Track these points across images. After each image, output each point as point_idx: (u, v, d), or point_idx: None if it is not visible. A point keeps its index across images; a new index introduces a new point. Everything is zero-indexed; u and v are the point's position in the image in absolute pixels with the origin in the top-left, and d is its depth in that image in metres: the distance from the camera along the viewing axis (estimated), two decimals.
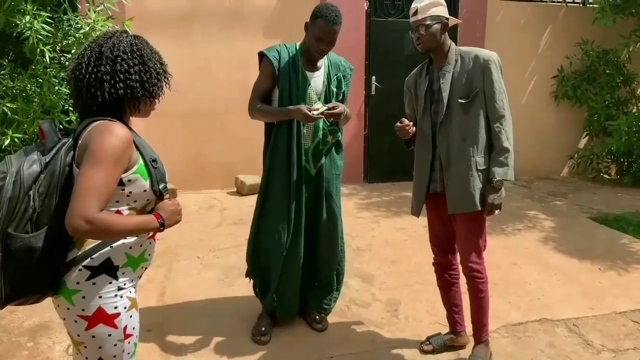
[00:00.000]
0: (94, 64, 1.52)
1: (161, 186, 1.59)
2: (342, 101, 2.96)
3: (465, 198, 2.55)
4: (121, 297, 1.56)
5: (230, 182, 6.13)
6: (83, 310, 1.52)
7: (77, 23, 4.36)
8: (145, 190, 1.56)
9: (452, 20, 2.57)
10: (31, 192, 1.44)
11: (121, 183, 1.51)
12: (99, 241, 1.53)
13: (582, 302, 3.53)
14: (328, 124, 2.85)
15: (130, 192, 1.54)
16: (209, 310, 3.32)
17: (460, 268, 2.75)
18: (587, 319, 3.30)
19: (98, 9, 4.49)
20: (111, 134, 1.46)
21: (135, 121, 5.88)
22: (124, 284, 1.58)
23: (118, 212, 1.54)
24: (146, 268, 1.68)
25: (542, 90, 7.39)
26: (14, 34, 4.09)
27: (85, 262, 1.52)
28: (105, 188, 1.43)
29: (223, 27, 5.98)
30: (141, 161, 1.55)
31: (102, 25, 4.42)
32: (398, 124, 2.60)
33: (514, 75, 7.22)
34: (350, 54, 5.05)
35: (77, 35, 4.39)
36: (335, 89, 2.90)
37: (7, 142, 3.81)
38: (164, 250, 4.24)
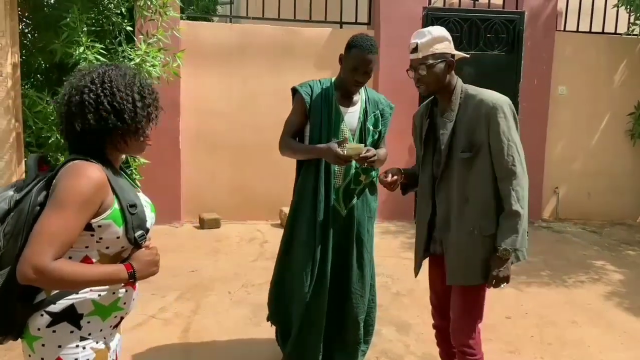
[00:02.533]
0: (68, 96, 1.46)
1: (138, 233, 1.46)
2: (378, 140, 2.79)
3: (467, 269, 2.21)
4: (84, 348, 1.44)
5: (274, 214, 6.05)
6: (42, 359, 1.42)
7: (129, 54, 4.48)
8: (118, 237, 1.45)
9: (458, 55, 2.25)
10: None
11: (90, 228, 1.41)
12: None
13: None
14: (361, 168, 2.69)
15: (101, 238, 1.44)
16: (231, 351, 3.17)
17: None
18: None
19: (150, 40, 4.61)
20: (81, 178, 1.37)
21: (183, 151, 5.89)
22: (89, 334, 1.45)
23: (86, 257, 1.44)
24: (123, 317, 1.56)
25: (617, 128, 6.85)
26: (70, 64, 4.26)
27: (47, 307, 1.42)
28: (64, 235, 1.33)
29: (273, 59, 5.99)
30: (116, 206, 1.44)
31: (153, 57, 4.52)
32: (382, 177, 2.34)
33: (584, 112, 6.77)
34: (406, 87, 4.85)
35: (130, 65, 4.51)
36: (371, 127, 2.74)
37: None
38: (195, 283, 4.17)
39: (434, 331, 2.51)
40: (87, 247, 1.43)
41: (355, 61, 2.54)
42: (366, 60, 2.53)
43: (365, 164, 2.55)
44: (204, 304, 3.83)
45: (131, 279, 1.43)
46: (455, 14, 6.36)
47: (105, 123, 1.44)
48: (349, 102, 2.70)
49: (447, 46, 2.19)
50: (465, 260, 2.20)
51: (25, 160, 4.39)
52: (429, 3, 6.38)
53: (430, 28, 2.22)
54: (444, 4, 6.62)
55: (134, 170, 4.99)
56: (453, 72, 2.22)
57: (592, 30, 6.81)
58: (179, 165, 5.77)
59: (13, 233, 1.38)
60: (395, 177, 2.35)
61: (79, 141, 1.46)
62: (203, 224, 5.75)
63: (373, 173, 2.76)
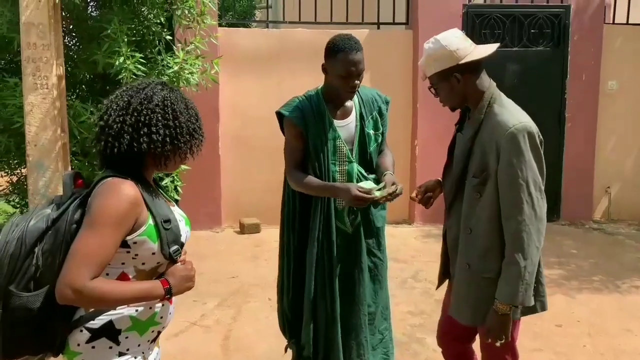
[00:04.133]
0: (119, 113, 1.46)
1: (173, 249, 1.47)
2: (381, 143, 2.56)
3: (461, 305, 2.02)
4: None
5: None
6: None
7: (168, 62, 4.54)
8: (153, 253, 1.46)
9: (477, 54, 1.94)
10: (36, 250, 1.39)
11: (126, 245, 1.42)
12: None
13: None
14: (361, 176, 2.45)
15: (137, 255, 1.45)
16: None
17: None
18: None
19: (188, 48, 4.66)
20: (114, 196, 1.39)
21: (223, 156, 5.89)
22: (127, 350, 1.47)
23: (123, 274, 1.45)
24: (160, 331, 1.56)
25: None
26: (112, 75, 4.35)
27: (87, 323, 1.44)
28: (101, 255, 1.35)
29: (310, 63, 5.92)
30: (151, 222, 1.45)
31: (191, 64, 4.57)
32: (413, 195, 2.23)
33: (636, 107, 6.45)
34: None
35: (169, 73, 4.58)
36: (372, 131, 2.49)
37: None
38: (236, 289, 4.18)
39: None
40: (123, 263, 1.44)
41: (344, 66, 2.27)
42: (356, 61, 2.28)
43: (391, 199, 2.30)
44: (245, 310, 3.83)
45: (167, 295, 1.43)
46: (497, 10, 6.18)
47: (155, 146, 1.45)
48: (342, 112, 2.45)
49: (447, 58, 1.92)
50: (462, 296, 2.03)
51: (71, 169, 4.52)
52: (469, 0, 6.21)
53: (428, 43, 2.00)
54: (485, 1, 6.44)
55: (175, 177, 5.06)
56: (473, 80, 1.96)
57: None
58: (218, 171, 5.83)
59: (51, 251, 1.39)
60: (428, 194, 2.20)
61: (120, 159, 1.46)
62: (243, 229, 5.78)
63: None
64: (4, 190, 5.37)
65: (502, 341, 1.90)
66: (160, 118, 1.45)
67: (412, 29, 6.15)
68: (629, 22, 6.45)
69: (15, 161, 5.10)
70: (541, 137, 1.89)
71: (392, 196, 2.26)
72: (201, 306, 3.84)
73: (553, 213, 6.35)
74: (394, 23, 6.32)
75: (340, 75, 2.30)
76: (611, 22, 6.45)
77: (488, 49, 1.98)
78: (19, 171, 5.26)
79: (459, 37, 1.98)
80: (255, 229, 5.78)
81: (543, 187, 1.87)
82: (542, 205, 1.85)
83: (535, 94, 5.95)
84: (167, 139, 1.46)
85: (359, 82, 2.34)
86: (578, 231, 6.14)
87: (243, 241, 5.55)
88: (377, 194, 2.24)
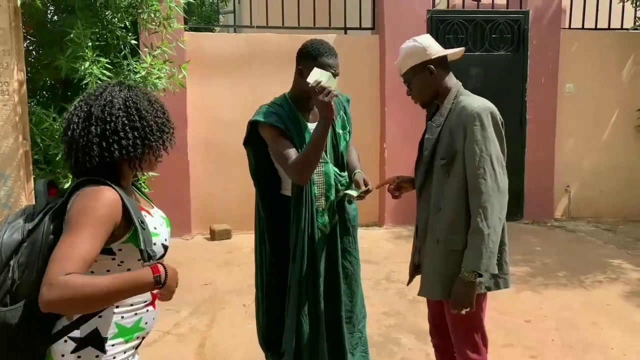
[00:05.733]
0: (83, 125, 1.39)
1: (149, 249, 1.41)
2: (349, 140, 2.57)
3: (429, 281, 2.16)
4: None
5: None
6: None
7: (135, 67, 4.46)
8: (139, 259, 1.41)
9: (447, 51, 2.18)
10: (11, 263, 1.33)
11: (111, 252, 1.38)
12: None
13: None
14: (340, 179, 2.47)
15: (122, 262, 1.41)
16: None
17: None
18: None
19: (155, 53, 4.59)
20: (93, 199, 1.33)
21: (192, 162, 5.74)
22: (113, 358, 1.42)
23: None
24: (144, 337, 1.53)
25: (627, 124, 6.78)
26: (76, 80, 4.24)
27: (71, 333, 1.38)
28: (81, 254, 1.26)
29: (279, 67, 5.92)
30: (133, 226, 1.40)
31: (158, 69, 4.50)
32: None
33: (593, 109, 6.71)
34: None
35: (135, 78, 4.49)
36: (341, 131, 2.52)
37: (67, 185, 3.90)
38: (210, 296, 4.13)
39: (434, 350, 2.42)
40: (108, 270, 1.40)
41: (325, 70, 2.25)
42: (335, 65, 2.32)
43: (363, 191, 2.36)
44: (219, 317, 3.78)
45: (157, 285, 1.34)
46: (459, 15, 6.33)
47: (127, 152, 1.40)
48: (313, 115, 2.44)
49: (421, 54, 2.13)
50: (432, 273, 2.15)
51: (33, 178, 4.37)
52: (433, 6, 6.35)
53: (404, 44, 2.20)
54: (448, 6, 6.59)
55: (142, 184, 4.96)
56: (443, 75, 2.16)
57: (598, 26, 6.75)
58: (187, 177, 5.74)
59: (28, 264, 1.33)
60: (400, 184, 2.34)
61: (94, 170, 1.40)
62: (214, 236, 5.71)
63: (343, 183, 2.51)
64: None
65: (467, 309, 2.00)
66: (126, 122, 1.40)
67: (379, 33, 6.24)
68: (585, 27, 6.72)
69: None
70: (502, 119, 2.09)
71: (365, 194, 2.35)
72: (174, 314, 3.77)
73: (516, 212, 6.53)
74: (360, 28, 6.40)
75: None
76: (567, 27, 6.70)
77: (456, 50, 2.24)
78: None
79: (431, 39, 2.22)
80: (226, 234, 5.72)
81: (504, 164, 2.06)
82: (504, 180, 2.03)
83: (497, 97, 5.97)
84: (138, 141, 1.41)
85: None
86: (541, 229, 6.34)
87: (214, 247, 5.48)
88: (353, 193, 2.34)
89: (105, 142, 1.38)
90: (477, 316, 2.13)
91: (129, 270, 1.41)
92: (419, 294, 2.23)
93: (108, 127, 1.38)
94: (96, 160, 1.38)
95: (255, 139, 2.46)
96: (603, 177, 6.76)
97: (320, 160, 2.36)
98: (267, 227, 2.52)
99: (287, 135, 2.35)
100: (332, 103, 2.19)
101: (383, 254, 5.18)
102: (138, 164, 1.46)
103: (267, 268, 2.53)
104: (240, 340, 3.42)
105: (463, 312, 2.02)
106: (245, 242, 5.57)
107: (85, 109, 1.41)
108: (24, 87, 4.22)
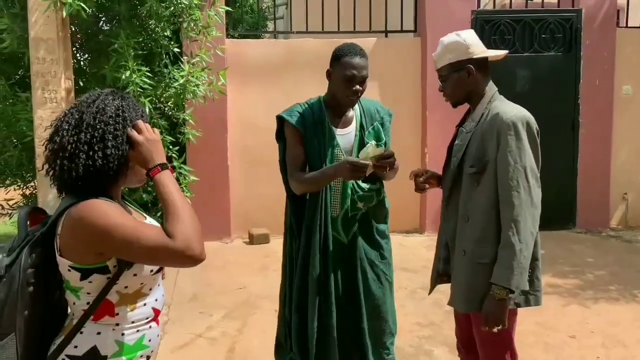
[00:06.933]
0: (72, 132, 1.36)
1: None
2: None
3: (454, 292, 2.08)
4: None
5: None
6: None
7: (174, 75, 4.57)
8: (135, 275, 1.38)
9: (489, 53, 2.09)
10: None
11: (107, 271, 1.35)
12: (84, 326, 1.36)
13: None
14: (359, 191, 2.40)
15: (118, 281, 1.38)
16: None
17: None
18: None
19: (193, 60, 4.69)
20: (95, 212, 1.30)
21: (232, 167, 5.80)
22: None
23: (106, 301, 1.37)
24: (149, 356, 1.46)
25: None
26: (119, 88, 4.39)
27: (69, 351, 1.35)
28: (139, 227, 1.31)
29: (317, 72, 5.88)
30: None
31: (196, 77, 4.60)
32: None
33: None
34: None
35: (175, 86, 4.60)
36: (373, 142, 2.41)
37: None
38: (243, 300, 4.15)
39: None
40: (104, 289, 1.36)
41: (347, 69, 2.27)
42: (361, 66, 2.28)
43: (384, 170, 2.21)
44: (251, 322, 3.79)
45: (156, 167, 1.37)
46: (507, 15, 6.12)
47: (112, 160, 1.37)
48: (343, 121, 2.43)
49: (463, 51, 2.04)
50: (457, 284, 2.07)
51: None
52: (478, 6, 6.16)
53: (445, 37, 2.11)
54: (494, 6, 6.39)
55: (184, 188, 5.08)
56: (481, 79, 2.07)
57: None
58: (227, 181, 5.83)
59: (7, 302, 1.31)
60: (428, 179, 2.25)
61: (80, 181, 1.35)
62: (252, 240, 5.77)
63: (374, 200, 2.44)
64: (17, 203, 5.43)
65: (499, 327, 1.92)
66: (112, 130, 1.36)
67: (421, 36, 6.12)
68: None
69: (28, 174, 5.17)
70: (537, 128, 1.99)
71: (386, 159, 2.15)
72: (207, 318, 3.82)
73: (568, 221, 6.23)
74: (402, 31, 6.30)
75: (342, 78, 2.29)
76: (624, 25, 6.34)
77: (498, 52, 2.14)
78: (31, 184, 5.33)
79: (475, 37, 2.10)
80: (264, 239, 5.76)
81: (539, 176, 1.96)
82: (537, 193, 1.94)
83: (547, 100, 5.86)
84: (116, 151, 1.37)
85: (361, 88, 2.32)
86: (594, 239, 6.00)
87: (252, 252, 5.53)
88: (371, 155, 2.16)
89: (91, 151, 1.34)
90: (507, 333, 2.03)
91: (126, 287, 1.38)
92: (448, 303, 2.18)
93: (96, 135, 1.35)
94: (81, 170, 1.34)
95: (283, 134, 2.49)
96: None
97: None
98: (295, 223, 2.51)
99: (302, 141, 2.37)
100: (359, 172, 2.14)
101: (421, 262, 5.04)
102: (119, 175, 1.40)
103: (295, 265, 2.50)
104: (269, 346, 3.38)
105: (495, 329, 1.93)
106: (281, 246, 5.59)
107: (76, 116, 1.38)
108: (72, 94, 4.41)
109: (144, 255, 1.30)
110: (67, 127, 1.37)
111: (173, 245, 1.27)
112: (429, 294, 2.34)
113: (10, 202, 5.35)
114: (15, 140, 4.70)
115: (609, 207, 6.36)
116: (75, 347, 1.36)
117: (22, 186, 5.31)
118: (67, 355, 1.36)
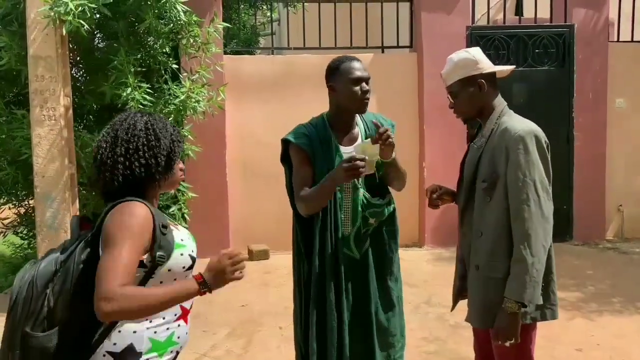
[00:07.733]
0: (110, 148, 1.55)
1: (159, 254, 1.49)
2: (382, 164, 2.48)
3: (472, 309, 2.08)
4: None
5: None
6: None
7: (174, 92, 4.56)
8: (169, 270, 1.52)
9: (494, 71, 2.09)
10: (47, 291, 1.46)
11: (143, 265, 1.49)
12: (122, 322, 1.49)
13: None
14: (370, 207, 2.37)
15: (162, 282, 1.53)
16: None
17: None
18: None
19: (194, 77, 4.69)
20: (126, 214, 1.46)
21: (230, 182, 5.78)
22: None
23: None
24: (178, 352, 1.61)
25: None
26: (119, 105, 4.37)
27: (108, 347, 1.49)
28: (124, 265, 1.40)
29: (315, 88, 5.90)
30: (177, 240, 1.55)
31: (197, 93, 4.59)
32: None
33: None
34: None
35: (175, 102, 4.59)
36: (367, 140, 2.39)
37: None
38: (247, 318, 4.10)
39: None
40: (161, 282, 1.52)
41: (351, 73, 2.25)
42: (361, 67, 2.28)
43: (384, 143, 2.19)
44: (256, 339, 3.74)
45: (203, 289, 1.45)
46: (500, 31, 6.20)
47: (146, 169, 1.54)
48: (349, 138, 2.39)
49: (471, 67, 2.05)
50: (471, 299, 2.08)
51: (78, 199, 4.50)
52: (473, 22, 6.24)
53: (454, 54, 2.12)
54: (488, 22, 6.47)
55: (182, 205, 5.04)
56: (491, 93, 2.08)
57: None
58: (226, 197, 5.79)
59: (61, 292, 1.46)
60: (442, 196, 2.24)
61: (120, 190, 1.53)
62: (252, 256, 5.71)
63: (385, 213, 2.43)
64: (12, 222, 5.35)
65: (512, 341, 1.91)
66: (145, 142, 1.54)
67: (417, 51, 6.17)
68: (634, 39, 6.45)
69: (23, 193, 5.10)
70: (547, 141, 2.00)
71: (384, 134, 2.15)
72: (211, 336, 3.76)
73: (565, 233, 6.25)
74: (398, 46, 6.35)
75: (349, 82, 2.26)
76: (616, 40, 6.45)
77: (505, 68, 2.16)
78: (26, 202, 5.26)
79: (482, 53, 2.13)
80: (264, 255, 5.71)
81: (550, 189, 1.96)
82: (548, 206, 1.93)
83: (542, 114, 5.87)
84: (154, 160, 1.55)
85: (369, 88, 2.31)
86: (592, 251, 6.03)
87: (252, 268, 5.46)
88: (365, 145, 2.20)
89: (128, 161, 1.52)
90: (526, 348, 2.02)
91: (161, 283, 1.52)
92: (465, 319, 2.17)
93: (130, 147, 1.52)
94: (121, 179, 1.51)
95: (288, 157, 2.45)
96: None
97: (350, 185, 2.31)
98: (303, 246, 2.46)
99: (310, 163, 2.33)
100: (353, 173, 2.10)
101: (423, 276, 5.04)
102: (159, 182, 1.58)
103: (304, 285, 2.47)
104: None
105: (507, 344, 1.91)
106: (282, 262, 5.53)
107: (112, 134, 1.56)
108: (70, 112, 4.38)
109: (101, 268, 1.39)
110: (104, 145, 1.55)
111: (105, 291, 1.34)
112: (452, 310, 2.31)
113: (5, 222, 5.27)
114: (9, 158, 4.65)
115: (605, 219, 6.40)
116: (114, 344, 1.48)
117: (16, 204, 5.24)
118: (107, 352, 1.48)
